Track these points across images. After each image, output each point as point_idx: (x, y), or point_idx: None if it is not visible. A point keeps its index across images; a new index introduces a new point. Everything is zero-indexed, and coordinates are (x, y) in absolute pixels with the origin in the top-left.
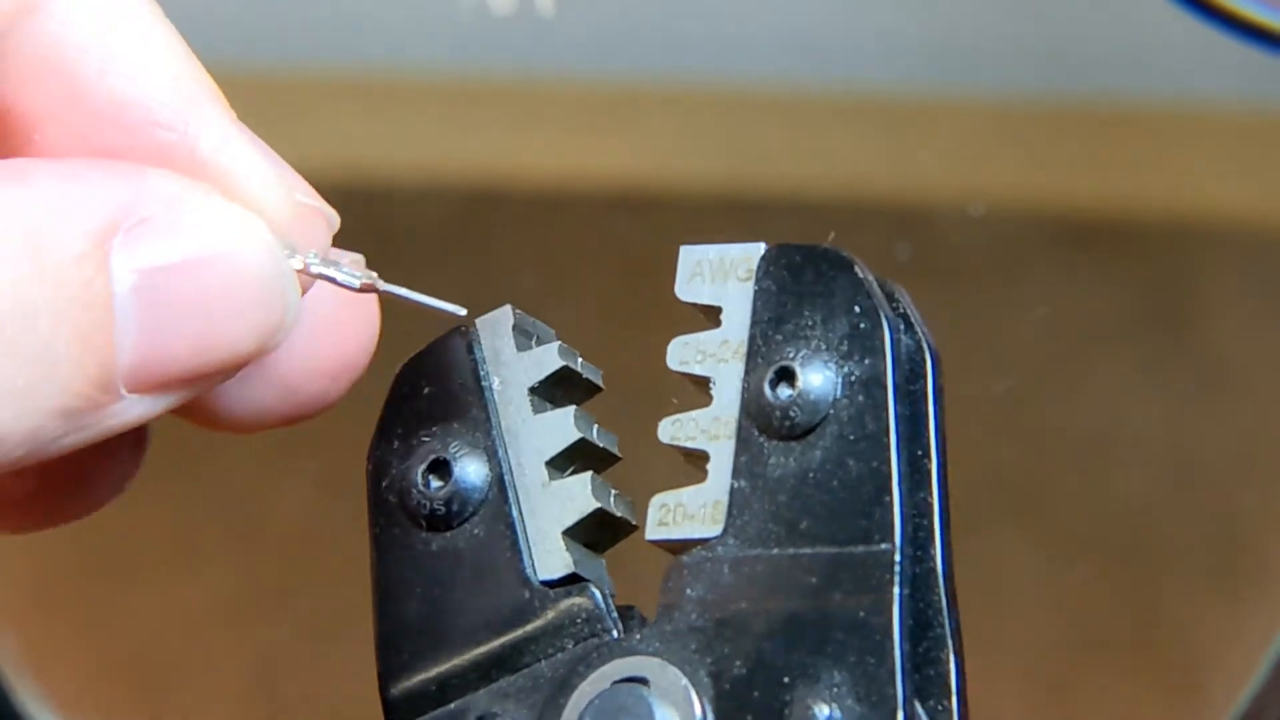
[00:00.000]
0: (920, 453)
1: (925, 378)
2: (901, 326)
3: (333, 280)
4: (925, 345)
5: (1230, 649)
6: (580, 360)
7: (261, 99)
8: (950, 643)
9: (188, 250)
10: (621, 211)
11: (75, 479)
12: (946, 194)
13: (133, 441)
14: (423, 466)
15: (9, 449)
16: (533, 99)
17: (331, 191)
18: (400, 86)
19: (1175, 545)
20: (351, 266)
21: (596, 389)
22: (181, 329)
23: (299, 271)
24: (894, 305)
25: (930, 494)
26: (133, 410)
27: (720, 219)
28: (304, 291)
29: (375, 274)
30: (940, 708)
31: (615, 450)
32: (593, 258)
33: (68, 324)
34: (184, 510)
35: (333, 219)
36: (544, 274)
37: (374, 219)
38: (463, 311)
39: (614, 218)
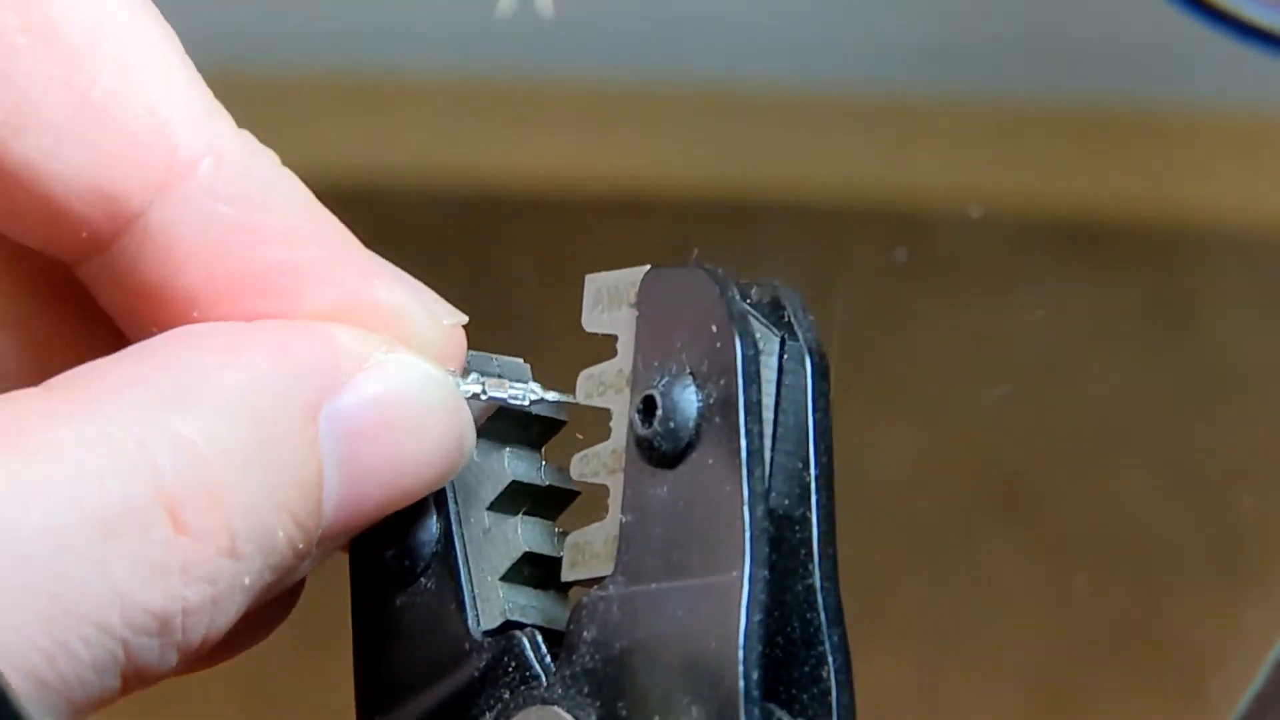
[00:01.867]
0: (799, 465)
1: (804, 386)
2: (781, 339)
3: (504, 401)
4: (806, 350)
5: (1231, 650)
6: (533, 399)
7: (263, 101)
8: (831, 660)
9: (382, 405)
10: (621, 212)
11: (244, 621)
12: (946, 196)
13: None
14: (378, 524)
15: (237, 603)
16: (533, 100)
17: (332, 193)
18: (401, 88)
19: (1175, 547)
20: (509, 377)
21: (556, 424)
22: (377, 476)
23: (472, 398)
24: (779, 314)
25: (809, 509)
26: (318, 558)
27: (719, 220)
28: (479, 413)
29: (538, 385)
30: None
31: (568, 485)
32: (593, 258)
33: (287, 484)
34: None
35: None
36: (544, 274)
37: (374, 220)
38: (564, 420)
39: (614, 218)
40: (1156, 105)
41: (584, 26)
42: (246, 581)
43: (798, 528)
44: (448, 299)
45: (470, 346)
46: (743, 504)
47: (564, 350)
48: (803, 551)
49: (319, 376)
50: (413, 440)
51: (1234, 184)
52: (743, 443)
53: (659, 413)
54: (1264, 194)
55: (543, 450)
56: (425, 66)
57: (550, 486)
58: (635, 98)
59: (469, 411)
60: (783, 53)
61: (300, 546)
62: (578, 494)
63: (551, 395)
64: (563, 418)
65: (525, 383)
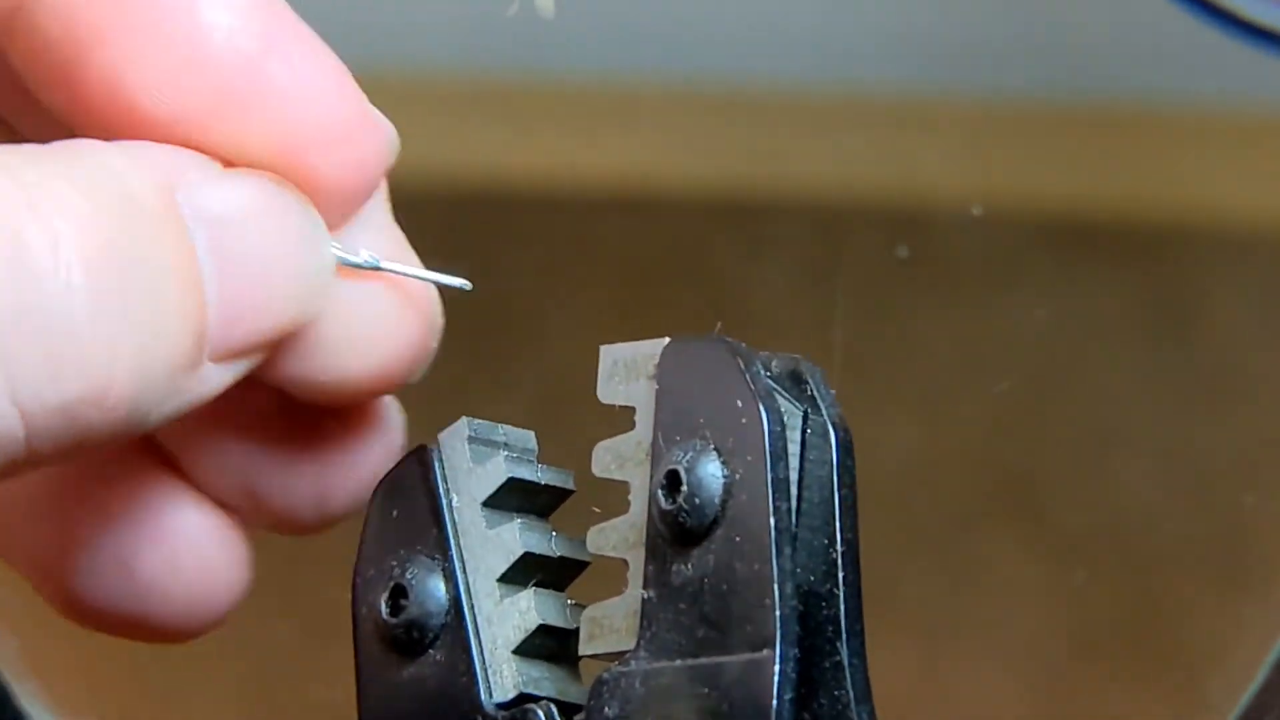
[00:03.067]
0: (825, 542)
1: (830, 461)
2: (804, 414)
3: (344, 257)
4: (830, 425)
5: (1231, 650)
6: (541, 467)
7: None
8: None
9: (242, 203)
10: (621, 211)
11: (171, 597)
12: (947, 195)
13: (230, 562)
14: (385, 595)
15: (118, 414)
16: (533, 99)
17: None
18: (400, 87)
19: (1175, 546)
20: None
21: (564, 493)
22: (245, 290)
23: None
24: (801, 388)
25: (835, 585)
26: (210, 380)
27: (720, 220)
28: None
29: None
30: None
31: (579, 556)
32: (592, 258)
33: (170, 280)
34: None
35: (391, 137)
36: (544, 274)
37: None
38: (467, 285)
39: (614, 218)
40: (1157, 105)
41: (584, 26)
42: (126, 371)
43: (824, 604)
44: (450, 297)
45: (469, 341)
46: (773, 582)
47: (564, 350)
48: (830, 629)
49: (163, 166)
50: (276, 253)
51: (1234, 184)
52: (770, 521)
53: (684, 489)
54: (1264, 194)
55: (550, 520)
56: (425, 66)
57: (561, 558)
58: (635, 98)
59: (330, 251)
60: (783, 52)
61: (191, 349)
62: (588, 564)
63: (555, 475)
64: (571, 487)
65: (531, 453)
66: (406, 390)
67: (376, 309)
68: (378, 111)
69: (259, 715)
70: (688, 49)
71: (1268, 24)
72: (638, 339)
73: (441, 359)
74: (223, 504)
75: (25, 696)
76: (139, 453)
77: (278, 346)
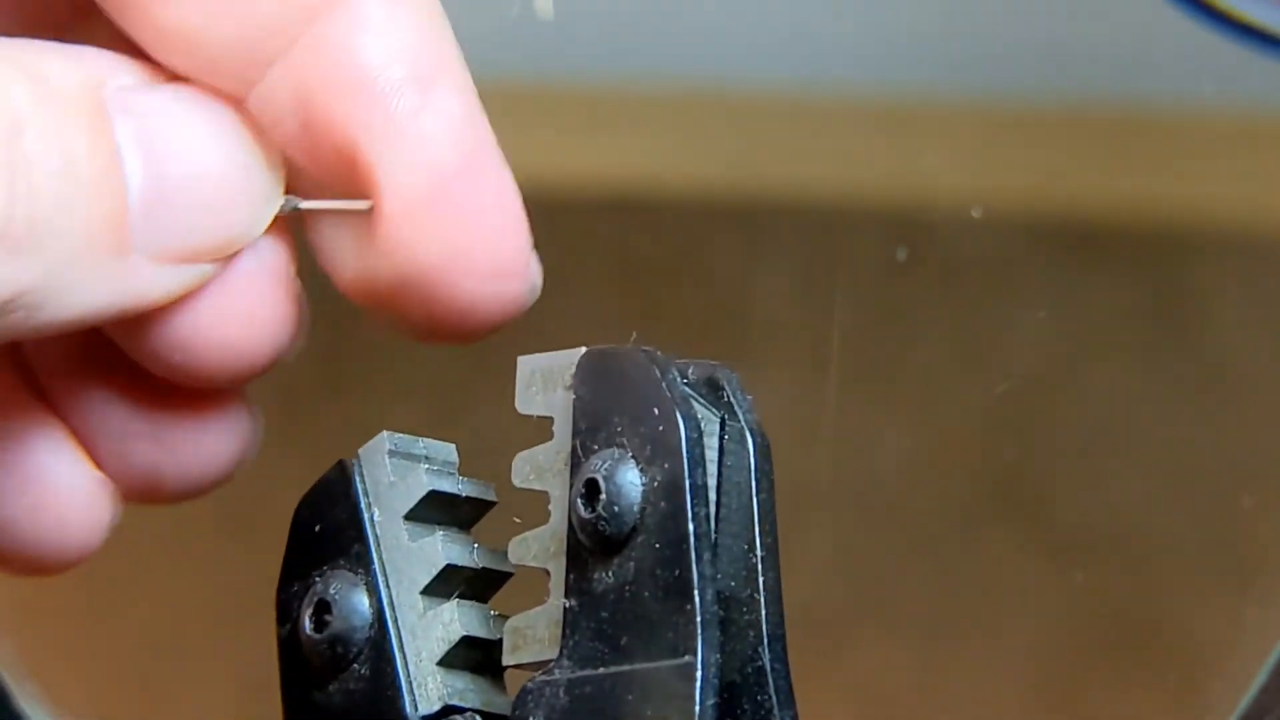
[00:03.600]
0: (745, 547)
1: (748, 466)
2: (721, 420)
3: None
4: (748, 431)
5: (1231, 650)
6: (461, 480)
7: None
8: None
9: (172, 107)
10: (621, 213)
11: (172, 449)
12: (947, 196)
13: (229, 420)
14: (309, 610)
15: (32, 298)
16: (533, 101)
17: None
18: None
19: (1175, 547)
20: (435, 460)
21: (486, 504)
22: (173, 187)
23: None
24: (718, 395)
25: (756, 590)
26: (144, 275)
27: (720, 221)
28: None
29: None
30: None
31: (501, 567)
32: (592, 259)
33: (88, 154)
34: (182, 510)
35: (534, 288)
36: (544, 275)
37: None
38: (365, 205)
39: (614, 219)
40: (1156, 106)
41: (584, 28)
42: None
43: (745, 609)
44: None
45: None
46: (693, 588)
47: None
48: (751, 634)
49: (97, 64)
50: (207, 157)
51: (1234, 184)
52: (690, 527)
53: (603, 497)
54: (1264, 194)
55: (472, 531)
56: None
57: (484, 569)
58: (635, 98)
59: (269, 186)
60: (783, 53)
61: (106, 231)
62: (510, 575)
63: (476, 488)
64: (492, 499)
65: (452, 465)
66: (407, 390)
67: (244, 298)
68: (535, 260)
69: (258, 716)
70: (687, 51)
71: (1266, 26)
72: (637, 339)
73: (443, 360)
74: (96, 460)
75: (24, 698)
76: (28, 395)
77: (222, 263)
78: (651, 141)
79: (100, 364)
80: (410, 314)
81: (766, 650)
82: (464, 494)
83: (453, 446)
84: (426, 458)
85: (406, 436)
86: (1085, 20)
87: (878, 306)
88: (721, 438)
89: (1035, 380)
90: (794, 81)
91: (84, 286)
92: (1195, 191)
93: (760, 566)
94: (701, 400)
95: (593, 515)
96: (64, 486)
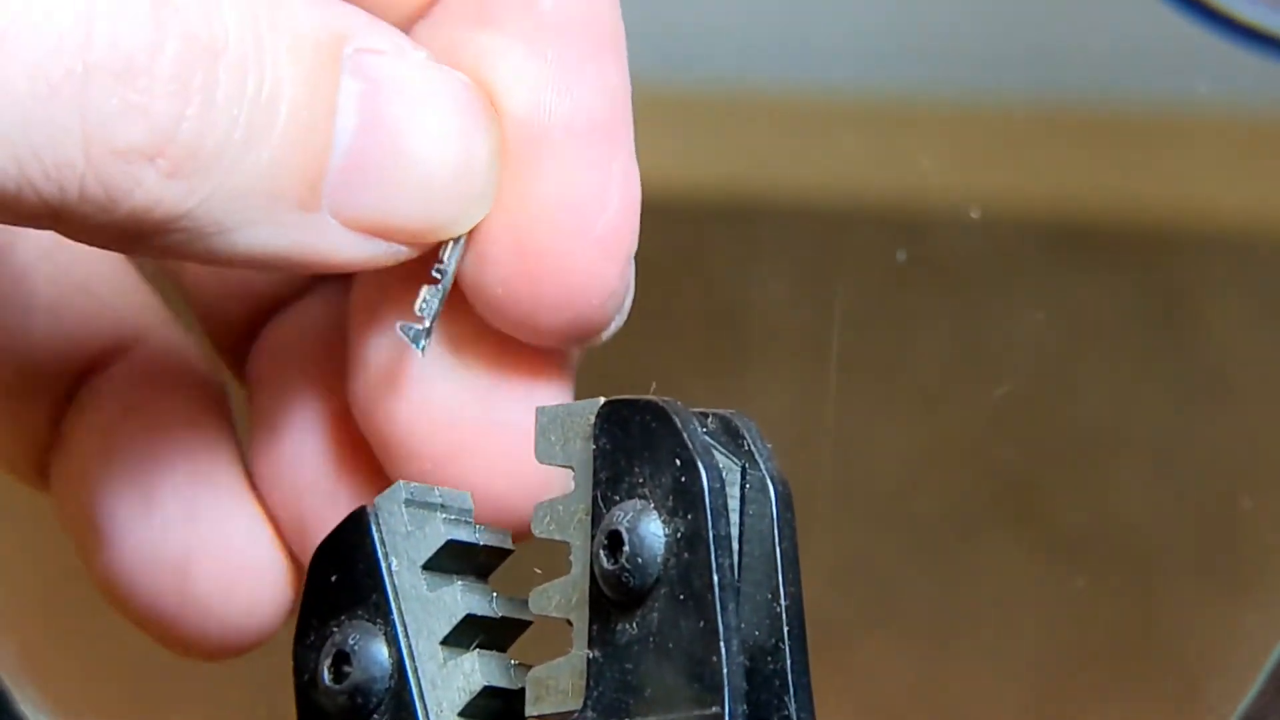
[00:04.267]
0: (769, 596)
1: (770, 515)
2: (742, 468)
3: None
4: (769, 479)
5: (1230, 653)
6: (479, 528)
7: None
8: None
9: (410, 79)
10: None
11: (214, 603)
12: (945, 198)
13: (275, 582)
14: (328, 661)
15: (192, 224)
16: None
17: None
18: None
19: (1174, 549)
20: (451, 509)
21: (503, 553)
22: (381, 158)
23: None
24: (738, 443)
25: (781, 639)
26: (332, 239)
27: (719, 221)
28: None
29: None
30: None
31: (520, 615)
32: None
33: (298, 101)
34: None
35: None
36: None
37: None
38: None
39: None
40: (1156, 106)
41: None
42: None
43: (770, 658)
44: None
45: None
46: (719, 639)
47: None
48: (777, 682)
49: (345, 20)
50: (433, 148)
51: (1234, 184)
52: (714, 578)
53: (626, 549)
54: (1264, 194)
55: (489, 580)
56: None
57: (503, 618)
58: (635, 98)
59: (490, 181)
60: (783, 53)
61: (298, 180)
62: (530, 624)
63: (493, 536)
64: (510, 547)
65: (468, 514)
66: None
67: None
68: (629, 297)
69: (260, 717)
70: (686, 51)
71: (1263, 26)
72: (637, 339)
73: None
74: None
75: (24, 700)
76: (232, 461)
77: (422, 252)
78: (651, 142)
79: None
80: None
81: (792, 700)
82: (481, 543)
83: (468, 494)
84: (443, 506)
85: (422, 485)
86: (1082, 21)
87: (877, 307)
88: (743, 486)
89: (1035, 380)
90: (794, 82)
91: (259, 228)
92: (1194, 191)
93: (784, 615)
94: (721, 449)
95: (616, 567)
96: (258, 563)
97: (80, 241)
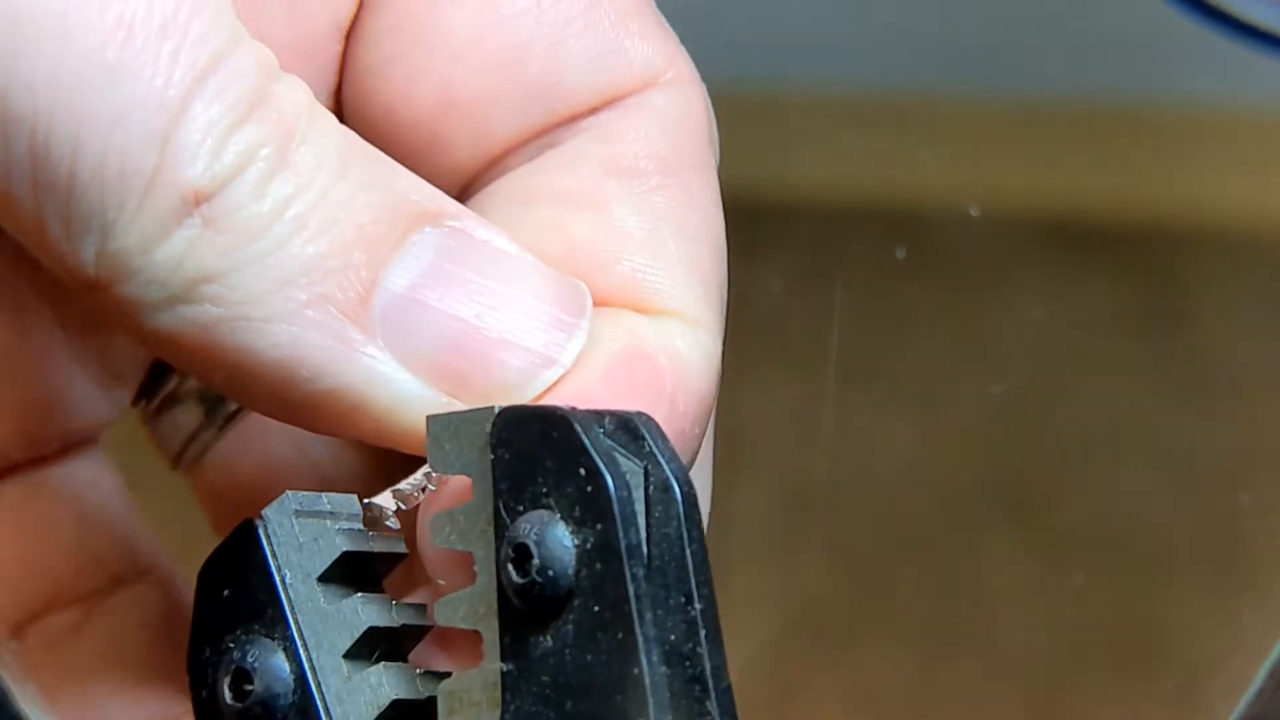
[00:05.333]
0: (684, 599)
1: (677, 517)
2: (645, 470)
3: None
4: (673, 480)
5: (1229, 652)
6: (372, 536)
7: None
8: None
9: (493, 261)
10: None
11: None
12: (945, 195)
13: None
14: (227, 679)
15: (242, 299)
16: None
17: None
18: None
19: (1174, 547)
20: (340, 514)
21: (398, 558)
22: (439, 322)
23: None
24: (639, 444)
25: (698, 643)
26: (381, 370)
27: None
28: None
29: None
30: None
31: (419, 622)
32: None
33: (361, 222)
34: (182, 510)
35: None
36: None
37: None
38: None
39: None
40: (1156, 105)
41: None
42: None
43: (688, 663)
44: None
45: None
46: (639, 650)
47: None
48: (698, 688)
49: (447, 209)
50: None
51: (1234, 184)
52: (630, 589)
53: (535, 562)
54: (1264, 194)
55: (384, 585)
56: None
57: (403, 626)
58: None
59: (549, 367)
60: (782, 53)
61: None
62: (429, 629)
63: (386, 543)
64: (403, 551)
65: (357, 517)
66: None
67: None
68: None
69: None
70: (686, 50)
71: (1263, 24)
72: None
73: None
74: None
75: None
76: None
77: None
78: None
79: None
80: None
81: (715, 704)
82: (376, 550)
83: (354, 498)
84: (331, 513)
85: (309, 494)
86: (1084, 19)
87: (877, 304)
88: (647, 489)
89: (1034, 378)
90: (794, 81)
91: (300, 328)
92: (1194, 190)
93: (700, 619)
94: (623, 452)
95: (526, 580)
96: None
97: (102, 306)
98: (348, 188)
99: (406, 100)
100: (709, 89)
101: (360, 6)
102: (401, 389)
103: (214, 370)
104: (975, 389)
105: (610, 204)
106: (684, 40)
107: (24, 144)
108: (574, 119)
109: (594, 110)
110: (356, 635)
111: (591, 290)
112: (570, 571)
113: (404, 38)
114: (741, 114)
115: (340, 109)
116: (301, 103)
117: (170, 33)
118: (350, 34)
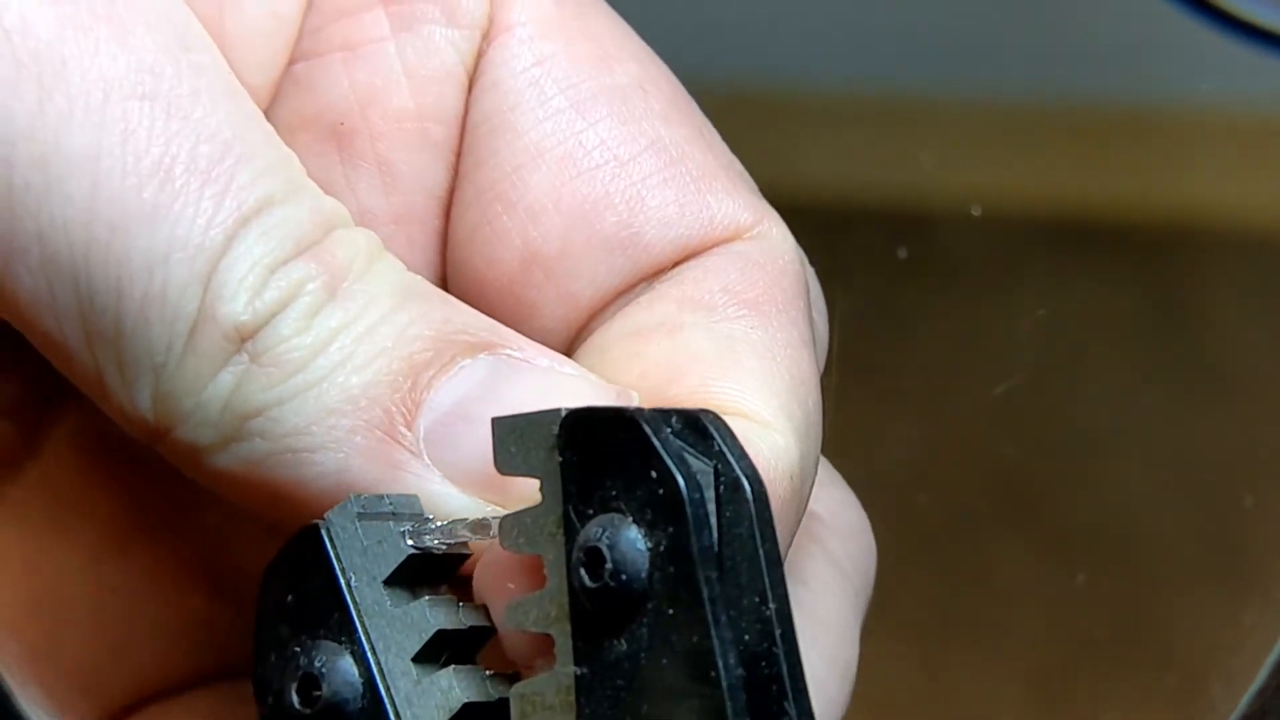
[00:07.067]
0: (757, 599)
1: (749, 516)
2: (715, 469)
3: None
4: (744, 479)
5: (1231, 650)
6: (437, 536)
7: None
8: None
9: (529, 389)
10: None
11: None
12: (946, 195)
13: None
14: (294, 685)
15: (289, 429)
16: None
17: None
18: None
19: (1176, 546)
20: (401, 513)
21: (463, 558)
22: (470, 447)
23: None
24: (707, 443)
25: (774, 644)
26: (430, 488)
27: None
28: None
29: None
30: None
31: (487, 623)
32: None
33: (388, 347)
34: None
35: None
36: None
37: None
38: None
39: None
40: (1156, 105)
41: None
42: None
43: (764, 664)
44: None
45: None
46: (715, 654)
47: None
48: (774, 688)
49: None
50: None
51: (1234, 184)
52: (704, 591)
53: (608, 566)
54: (1264, 194)
55: (445, 587)
56: None
57: (471, 628)
58: None
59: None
60: (783, 53)
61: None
62: (495, 632)
63: (453, 544)
64: (469, 552)
65: (420, 517)
66: None
67: None
68: None
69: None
70: (686, 50)
71: (1265, 24)
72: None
73: None
74: None
75: (25, 701)
76: None
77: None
78: None
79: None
80: None
81: (792, 705)
82: (442, 551)
83: (416, 498)
84: (394, 515)
85: (371, 496)
86: (1084, 20)
87: (879, 304)
88: (717, 488)
89: (1036, 377)
90: (794, 81)
91: (347, 456)
92: (1195, 190)
93: (774, 618)
94: (692, 452)
95: (599, 584)
96: None
97: (171, 454)
98: (401, 321)
99: (490, 264)
100: (709, 89)
101: (455, 177)
102: (447, 504)
103: (274, 506)
104: (977, 389)
105: (684, 329)
106: (685, 41)
107: (69, 291)
108: (657, 273)
109: (676, 264)
110: (426, 638)
111: (660, 403)
112: (643, 575)
113: (488, 203)
114: (743, 113)
115: (446, 283)
116: (360, 245)
117: (215, 177)
118: (449, 207)
